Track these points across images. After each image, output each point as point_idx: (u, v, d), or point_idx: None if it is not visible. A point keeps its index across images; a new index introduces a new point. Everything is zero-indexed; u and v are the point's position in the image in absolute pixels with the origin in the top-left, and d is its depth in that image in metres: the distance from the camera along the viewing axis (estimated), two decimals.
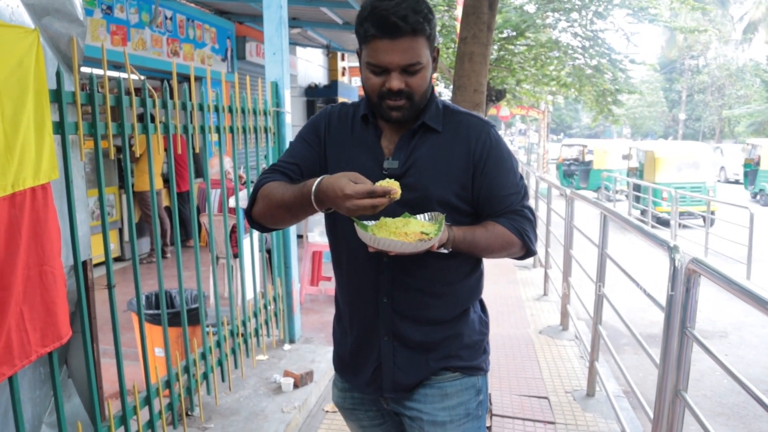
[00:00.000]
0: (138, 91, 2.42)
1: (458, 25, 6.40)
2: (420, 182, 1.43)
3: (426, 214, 1.39)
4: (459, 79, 5.46)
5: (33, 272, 1.86)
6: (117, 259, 6.77)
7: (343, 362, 1.64)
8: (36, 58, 1.87)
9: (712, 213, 9.73)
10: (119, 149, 6.18)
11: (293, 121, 4.20)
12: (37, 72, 1.88)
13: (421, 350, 1.51)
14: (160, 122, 2.61)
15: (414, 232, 1.28)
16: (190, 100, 2.82)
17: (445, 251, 1.38)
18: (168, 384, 2.74)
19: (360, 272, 1.51)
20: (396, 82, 1.35)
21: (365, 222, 1.34)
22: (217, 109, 3.09)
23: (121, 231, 6.86)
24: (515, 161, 1.54)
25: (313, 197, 1.30)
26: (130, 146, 6.66)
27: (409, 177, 1.43)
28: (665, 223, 10.92)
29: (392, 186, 1.25)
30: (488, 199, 1.48)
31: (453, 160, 1.45)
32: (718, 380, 4.07)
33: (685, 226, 10.36)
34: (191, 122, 2.83)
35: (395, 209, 1.36)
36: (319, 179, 1.31)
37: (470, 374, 1.55)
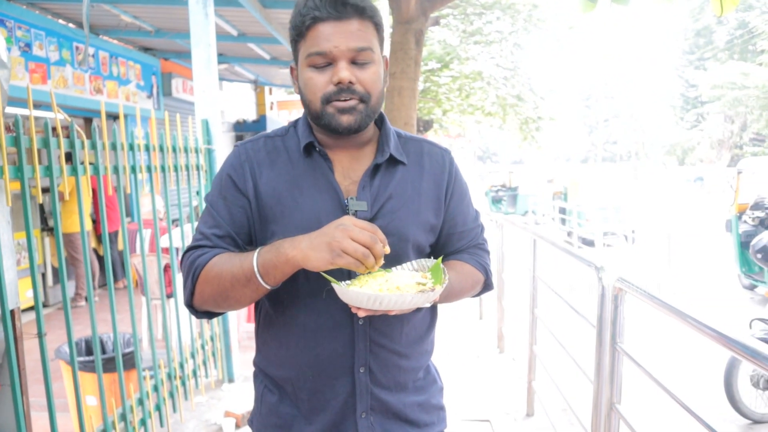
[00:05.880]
0: (64, 130, 2.36)
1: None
2: (393, 225, 1.21)
3: (408, 264, 1.19)
4: (389, 113, 5.61)
5: None
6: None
7: None
8: None
9: (633, 232, 10.26)
10: (44, 190, 5.93)
11: (222, 157, 4.15)
12: None
13: (401, 421, 1.31)
14: (89, 163, 2.54)
15: (408, 284, 1.06)
16: (120, 139, 2.77)
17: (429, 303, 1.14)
18: None
19: (326, 342, 1.22)
20: (345, 73, 1.13)
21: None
22: (147, 149, 3.04)
23: (44, 275, 6.50)
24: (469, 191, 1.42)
25: (256, 261, 1.09)
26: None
27: (380, 220, 1.21)
28: (591, 243, 11.40)
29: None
30: (451, 236, 1.34)
31: (423, 198, 1.26)
32: (659, 392, 4.24)
33: (608, 245, 10.85)
34: (120, 162, 2.78)
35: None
36: (270, 246, 1.10)
37: None
